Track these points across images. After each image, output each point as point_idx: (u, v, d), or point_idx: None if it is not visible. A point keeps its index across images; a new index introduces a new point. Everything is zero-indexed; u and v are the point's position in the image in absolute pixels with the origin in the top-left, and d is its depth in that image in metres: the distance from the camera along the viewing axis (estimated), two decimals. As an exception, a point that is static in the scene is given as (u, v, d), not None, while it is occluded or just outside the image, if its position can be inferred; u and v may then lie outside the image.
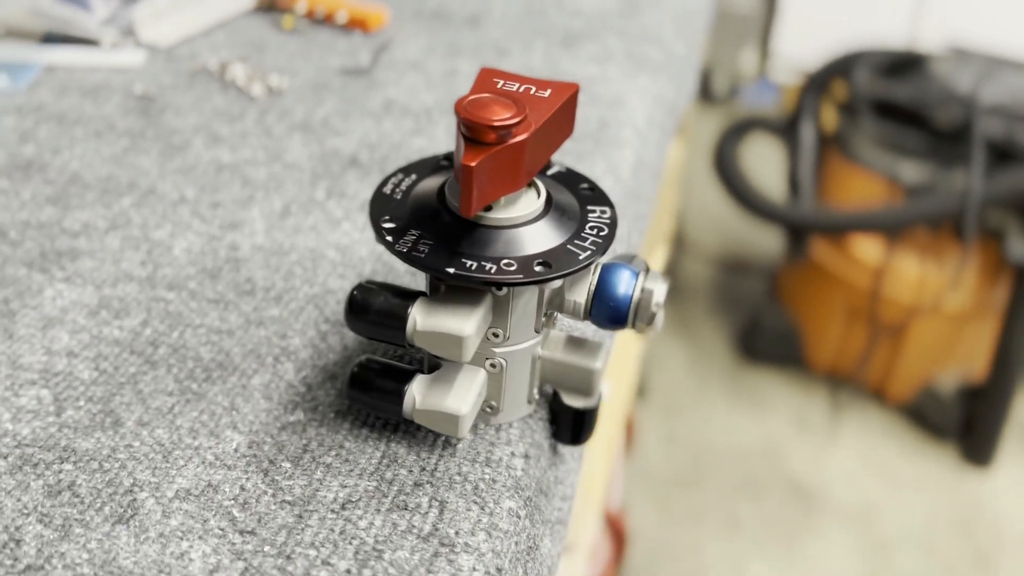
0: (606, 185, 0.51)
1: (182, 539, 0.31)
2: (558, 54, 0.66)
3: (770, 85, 2.36)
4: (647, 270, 0.34)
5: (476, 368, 0.34)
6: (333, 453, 0.35)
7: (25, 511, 0.32)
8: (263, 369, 0.38)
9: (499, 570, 0.32)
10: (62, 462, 0.34)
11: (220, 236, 0.46)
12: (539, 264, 0.31)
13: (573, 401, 0.37)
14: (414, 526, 0.32)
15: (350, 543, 0.31)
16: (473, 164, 0.29)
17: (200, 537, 0.31)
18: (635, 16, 0.73)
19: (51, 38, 0.63)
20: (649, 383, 1.51)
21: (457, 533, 0.32)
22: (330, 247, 0.45)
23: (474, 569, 0.31)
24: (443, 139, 0.55)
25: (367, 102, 0.58)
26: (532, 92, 0.33)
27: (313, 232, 0.46)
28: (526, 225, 0.32)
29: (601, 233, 0.33)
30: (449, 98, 0.59)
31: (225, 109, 0.57)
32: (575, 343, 0.36)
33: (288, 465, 0.34)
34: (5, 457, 0.34)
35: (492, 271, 0.31)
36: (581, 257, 0.32)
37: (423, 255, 0.31)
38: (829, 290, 1.46)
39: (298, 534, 0.32)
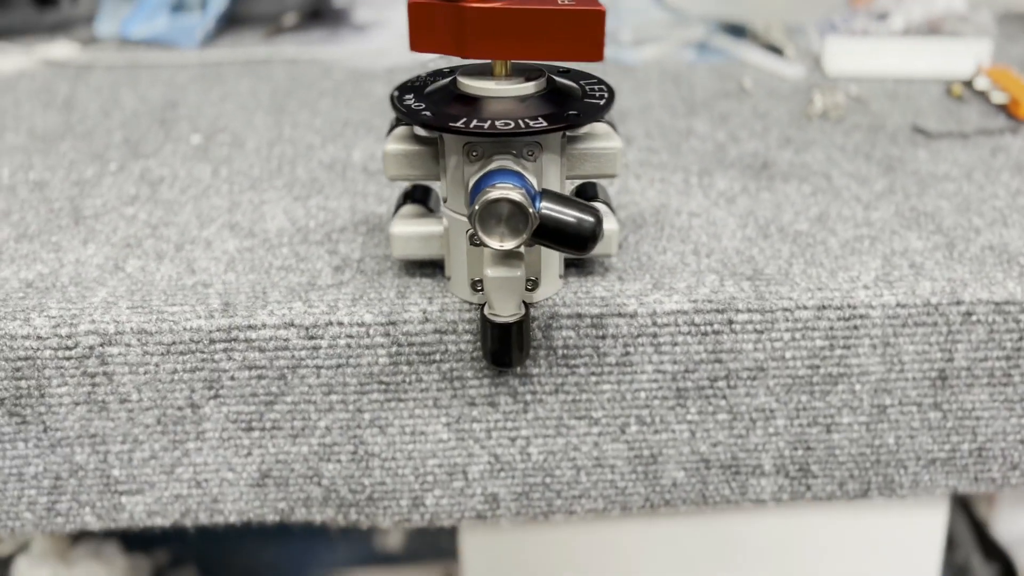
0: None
1: (271, 215, 0.47)
2: None
3: None
4: (546, 199, 0.33)
5: (440, 219, 0.39)
6: (367, 226, 0.45)
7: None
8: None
9: (311, 338, 0.39)
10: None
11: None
12: (425, 111, 0.35)
13: (488, 310, 0.37)
14: (322, 275, 0.41)
15: (292, 259, 0.42)
16: (411, 1, 0.35)
17: (281, 209, 0.47)
18: None
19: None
20: None
21: (319, 295, 0.40)
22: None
23: (298, 313, 0.39)
24: (865, 213, 0.49)
25: (875, 153, 0.54)
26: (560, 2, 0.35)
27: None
28: (484, 98, 0.35)
29: (507, 126, 0.33)
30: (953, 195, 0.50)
31: (766, 114, 0.61)
32: (506, 253, 0.36)
33: (349, 232, 0.45)
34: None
35: (400, 103, 0.36)
36: (453, 124, 0.34)
37: (407, 82, 0.38)
38: None
39: (289, 240, 0.44)
